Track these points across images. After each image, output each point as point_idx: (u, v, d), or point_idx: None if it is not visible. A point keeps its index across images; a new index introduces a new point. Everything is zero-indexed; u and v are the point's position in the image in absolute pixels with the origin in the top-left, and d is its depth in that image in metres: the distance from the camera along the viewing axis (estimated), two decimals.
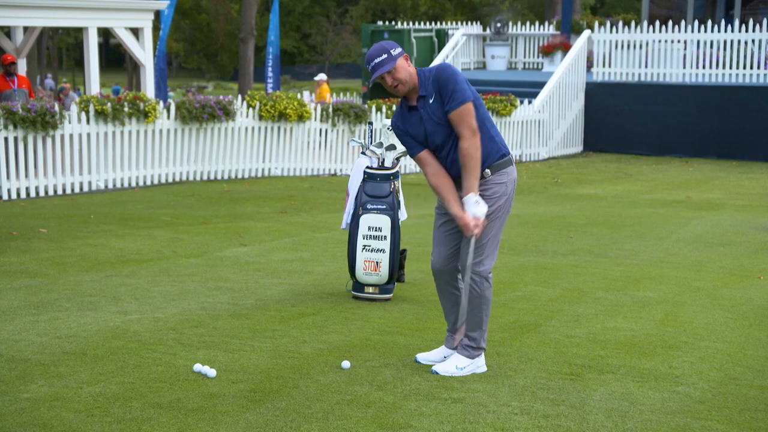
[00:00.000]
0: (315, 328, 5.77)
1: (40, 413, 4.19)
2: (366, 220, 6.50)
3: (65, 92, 26.16)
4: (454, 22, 31.51)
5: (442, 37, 25.38)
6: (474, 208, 4.59)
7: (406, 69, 4.68)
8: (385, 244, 6.49)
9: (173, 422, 4.11)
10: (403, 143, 4.81)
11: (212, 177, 14.35)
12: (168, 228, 9.74)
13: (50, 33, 40.40)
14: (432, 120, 4.67)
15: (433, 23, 28.66)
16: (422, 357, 5.08)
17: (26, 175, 12.38)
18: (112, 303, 6.31)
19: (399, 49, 4.70)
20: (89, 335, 5.47)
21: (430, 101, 4.66)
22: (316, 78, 21.17)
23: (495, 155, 4.71)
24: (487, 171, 4.69)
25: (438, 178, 4.73)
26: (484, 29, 25.56)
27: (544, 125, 18.76)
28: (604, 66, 19.82)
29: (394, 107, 15.62)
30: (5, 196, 12.14)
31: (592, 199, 12.83)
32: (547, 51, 22.64)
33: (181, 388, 4.55)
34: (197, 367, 4.80)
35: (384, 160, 6.60)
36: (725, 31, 18.62)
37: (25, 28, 16.40)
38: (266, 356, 5.11)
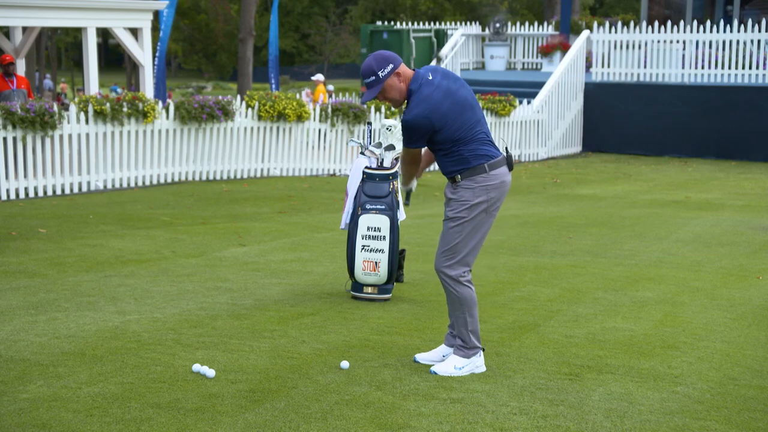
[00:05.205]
0: (314, 328, 5.77)
1: (39, 413, 4.18)
2: (365, 221, 6.49)
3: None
4: (453, 23, 31.52)
5: (441, 38, 25.37)
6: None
7: (395, 88, 4.75)
8: (384, 245, 6.49)
9: (172, 422, 4.10)
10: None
11: (211, 177, 14.34)
12: (167, 228, 9.74)
13: (49, 33, 40.37)
14: None
15: (432, 23, 28.66)
16: (421, 357, 5.08)
17: (25, 176, 12.37)
18: (111, 303, 6.31)
19: (389, 67, 4.69)
20: (88, 335, 5.47)
21: None
22: (313, 78, 21.20)
23: (464, 166, 4.76)
24: (458, 176, 4.80)
25: (416, 163, 5.07)
26: (483, 29, 25.56)
27: (543, 125, 18.76)
28: (603, 66, 19.82)
29: (393, 108, 15.58)
30: (4, 197, 12.13)
31: (591, 200, 12.83)
32: (546, 51, 22.64)
33: (180, 388, 4.55)
34: (196, 367, 4.80)
35: (383, 160, 6.60)
36: (724, 31, 18.63)
37: (24, 28, 16.38)
38: (265, 356, 5.11)
